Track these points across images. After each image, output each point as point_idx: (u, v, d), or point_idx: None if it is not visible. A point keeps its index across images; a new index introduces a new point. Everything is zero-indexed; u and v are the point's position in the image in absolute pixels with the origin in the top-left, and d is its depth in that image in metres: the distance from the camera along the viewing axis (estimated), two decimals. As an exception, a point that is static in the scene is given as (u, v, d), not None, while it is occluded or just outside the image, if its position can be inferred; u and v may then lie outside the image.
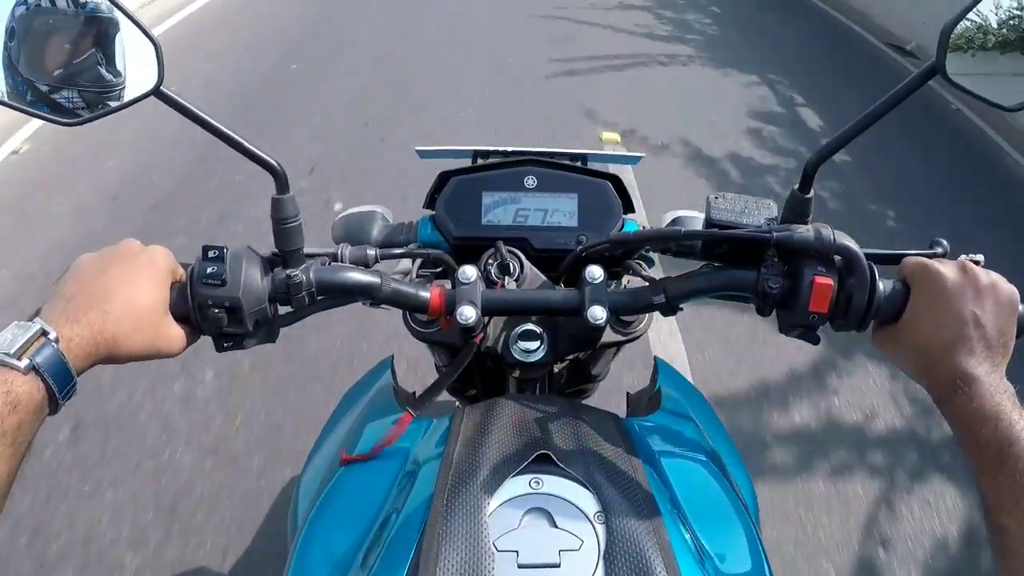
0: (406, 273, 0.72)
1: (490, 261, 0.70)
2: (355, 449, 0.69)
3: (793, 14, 5.91)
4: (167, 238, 1.80)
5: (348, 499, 0.63)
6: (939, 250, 0.61)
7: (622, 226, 0.76)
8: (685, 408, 0.77)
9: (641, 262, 0.75)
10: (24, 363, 0.43)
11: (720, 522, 0.61)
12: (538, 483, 0.56)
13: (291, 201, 0.59)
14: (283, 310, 0.61)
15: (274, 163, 0.57)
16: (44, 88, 0.56)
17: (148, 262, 0.53)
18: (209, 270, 0.54)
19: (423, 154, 0.85)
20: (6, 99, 0.54)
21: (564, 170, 0.77)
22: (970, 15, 0.59)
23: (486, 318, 0.67)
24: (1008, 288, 0.54)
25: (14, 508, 1.58)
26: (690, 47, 5.01)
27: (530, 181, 0.76)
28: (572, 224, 0.75)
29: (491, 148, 0.83)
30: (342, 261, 0.65)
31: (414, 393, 0.84)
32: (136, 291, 0.51)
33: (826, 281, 0.56)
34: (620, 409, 0.83)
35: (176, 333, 0.55)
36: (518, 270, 0.70)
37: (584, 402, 0.91)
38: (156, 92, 0.54)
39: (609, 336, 0.73)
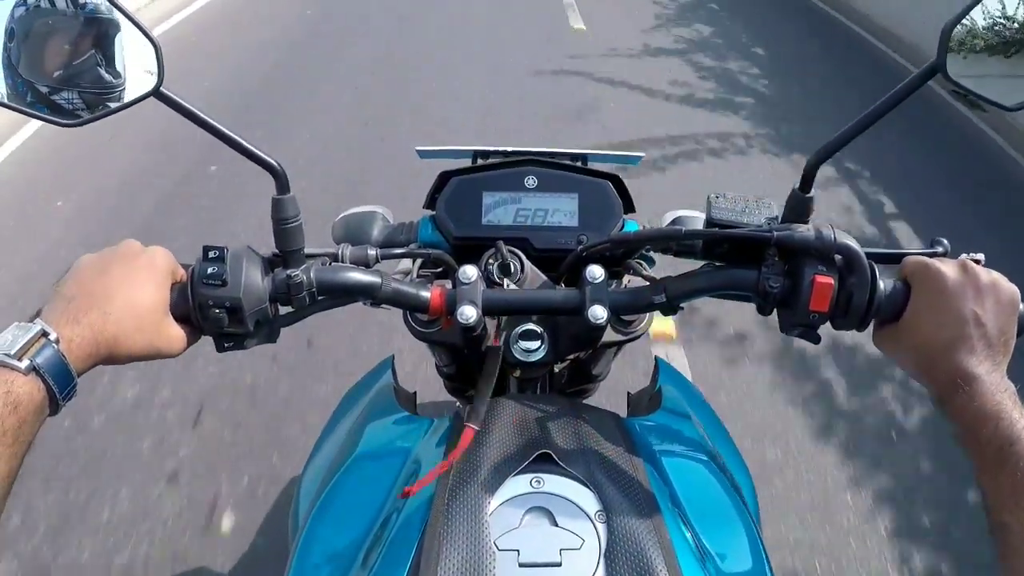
0: (407, 273, 0.72)
1: (491, 261, 0.70)
2: (356, 449, 0.69)
3: (855, 56, 4.78)
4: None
5: (349, 499, 0.63)
6: (939, 249, 0.61)
7: (622, 226, 0.76)
8: (685, 408, 0.77)
9: (642, 262, 0.75)
10: (25, 364, 0.43)
11: (720, 521, 0.61)
12: (539, 482, 0.56)
13: (292, 201, 0.59)
14: (284, 310, 0.61)
15: (274, 163, 0.57)
16: (44, 89, 0.56)
17: (148, 263, 0.53)
18: (210, 270, 0.54)
19: (423, 154, 0.85)
20: (6, 100, 0.54)
21: (564, 170, 0.77)
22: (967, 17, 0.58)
23: (486, 318, 0.67)
24: (1009, 287, 0.54)
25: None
26: (744, 119, 3.76)
27: (530, 181, 0.76)
28: (573, 224, 0.75)
29: (491, 148, 0.83)
30: (342, 261, 0.65)
31: (414, 393, 0.84)
32: (136, 292, 0.51)
33: (827, 280, 0.56)
34: (621, 409, 0.83)
35: (177, 333, 0.55)
36: (519, 270, 0.70)
37: (585, 402, 0.91)
38: (156, 93, 0.54)
39: (610, 336, 0.73)
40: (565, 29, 5.15)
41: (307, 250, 0.61)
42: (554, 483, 0.56)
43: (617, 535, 0.51)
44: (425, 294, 0.64)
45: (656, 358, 0.90)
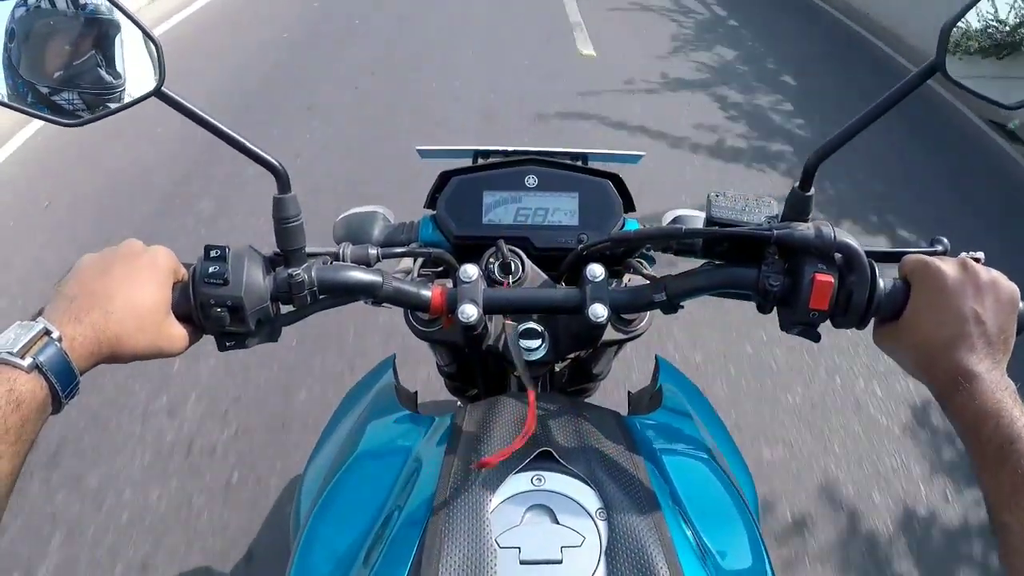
0: (407, 272, 0.72)
1: (491, 260, 0.71)
2: (358, 448, 0.69)
3: (891, 81, 4.18)
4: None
5: (351, 497, 0.63)
6: (939, 248, 0.61)
7: (623, 225, 0.76)
8: (686, 406, 0.78)
9: (642, 260, 0.75)
10: (27, 362, 0.43)
11: (721, 519, 0.61)
12: (540, 480, 0.56)
13: (292, 200, 0.59)
14: (285, 309, 0.61)
15: (275, 163, 0.57)
16: (44, 90, 0.56)
17: (150, 262, 0.54)
18: (211, 269, 0.55)
19: (424, 153, 0.85)
20: (7, 100, 0.55)
21: (565, 169, 0.77)
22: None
23: (487, 317, 0.67)
24: (1008, 285, 0.54)
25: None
26: (784, 174, 3.20)
27: (531, 180, 0.76)
28: (573, 223, 0.75)
29: (492, 148, 0.83)
30: (344, 260, 0.65)
31: (415, 393, 0.84)
32: (138, 291, 0.51)
33: (826, 279, 0.56)
34: (622, 407, 0.83)
35: (178, 332, 0.55)
36: (519, 269, 0.70)
37: (586, 400, 0.92)
38: (157, 92, 0.54)
39: (610, 334, 0.73)
40: (572, 55, 4.52)
41: (308, 249, 0.61)
42: (555, 481, 0.56)
43: (618, 533, 0.52)
44: (426, 293, 0.64)
45: (657, 357, 0.90)
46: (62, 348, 0.45)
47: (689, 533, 0.57)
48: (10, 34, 0.54)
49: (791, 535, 1.64)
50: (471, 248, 0.73)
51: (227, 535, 1.56)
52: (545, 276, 0.71)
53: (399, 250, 0.71)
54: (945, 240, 0.61)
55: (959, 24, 0.55)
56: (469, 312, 0.62)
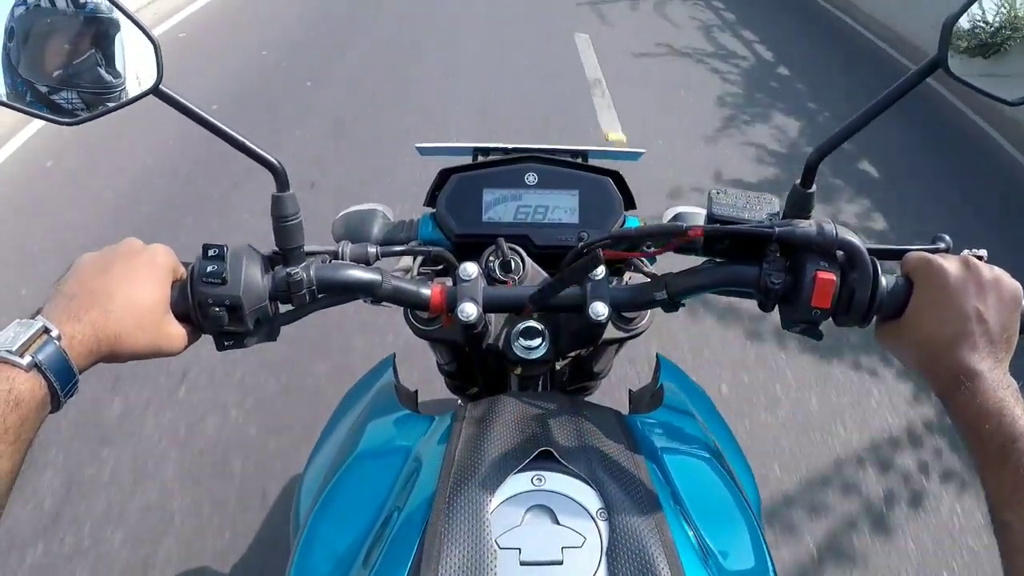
0: (407, 271, 0.72)
1: (491, 258, 0.70)
2: (357, 448, 0.69)
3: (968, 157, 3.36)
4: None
5: (350, 497, 0.63)
6: (941, 245, 0.60)
7: (623, 222, 0.76)
8: (687, 404, 0.77)
9: (643, 258, 0.75)
10: (26, 360, 0.43)
11: (723, 518, 0.61)
12: (540, 480, 0.56)
13: (291, 199, 0.59)
14: (284, 308, 0.61)
15: (274, 161, 0.57)
16: (44, 89, 0.56)
17: (149, 261, 0.53)
18: (209, 268, 0.54)
19: (423, 151, 0.85)
20: (5, 99, 0.54)
21: (565, 166, 0.77)
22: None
23: (487, 315, 0.67)
24: (1011, 283, 0.54)
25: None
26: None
27: (531, 178, 0.76)
28: (573, 220, 0.75)
29: (492, 145, 0.83)
30: (343, 259, 0.65)
31: (416, 392, 0.84)
32: (137, 289, 0.51)
33: (828, 276, 0.56)
34: (622, 406, 0.83)
35: (177, 331, 0.55)
36: (519, 267, 0.70)
37: (586, 399, 0.91)
38: (156, 91, 0.54)
39: (611, 333, 0.73)
40: (597, 139, 3.38)
41: (307, 248, 0.61)
42: (555, 481, 0.56)
43: (619, 533, 0.51)
44: (425, 291, 0.64)
45: (658, 355, 0.90)
46: (61, 347, 0.45)
47: (691, 533, 0.56)
48: (9, 33, 0.54)
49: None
50: (471, 246, 0.73)
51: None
52: (545, 274, 0.71)
53: (398, 248, 0.71)
54: (947, 238, 0.61)
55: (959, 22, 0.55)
56: (469, 311, 0.62)
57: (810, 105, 3.95)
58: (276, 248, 0.60)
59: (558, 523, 0.53)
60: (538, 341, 0.70)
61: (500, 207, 0.75)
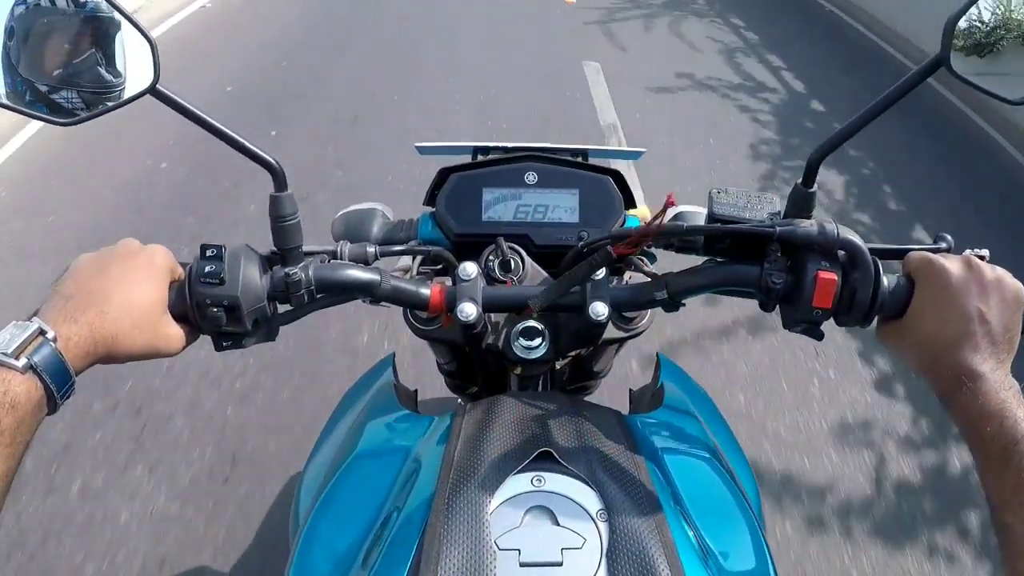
0: (406, 270, 0.72)
1: (491, 258, 0.70)
2: (357, 448, 0.68)
3: None
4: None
5: (350, 497, 0.63)
6: (943, 245, 0.60)
7: (623, 221, 0.76)
8: (687, 404, 0.77)
9: (643, 258, 0.75)
10: (22, 362, 0.43)
11: (723, 519, 0.61)
12: (540, 481, 0.55)
13: (289, 199, 0.59)
14: (282, 308, 0.61)
15: (272, 161, 0.57)
16: (43, 88, 0.55)
17: (147, 261, 0.53)
18: (207, 269, 0.54)
19: (423, 150, 0.85)
20: (4, 100, 0.54)
21: (565, 165, 0.77)
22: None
23: (487, 315, 0.67)
24: (1014, 284, 0.53)
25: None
26: None
27: (531, 177, 0.75)
28: (573, 220, 0.75)
29: (491, 144, 0.82)
30: (341, 259, 0.65)
31: (415, 391, 0.84)
32: (134, 290, 0.51)
33: (830, 276, 0.56)
34: (623, 406, 0.83)
35: (175, 332, 0.54)
36: (519, 267, 0.70)
37: (586, 399, 0.91)
38: (152, 91, 0.54)
39: (611, 332, 0.73)
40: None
41: (305, 248, 0.61)
42: (555, 482, 0.55)
43: (619, 534, 0.51)
44: (425, 291, 0.63)
45: (658, 355, 0.90)
46: (57, 348, 0.45)
47: (691, 534, 0.56)
48: (9, 32, 0.54)
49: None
50: (470, 246, 0.72)
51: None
52: (545, 274, 0.71)
53: (398, 248, 0.71)
54: (949, 237, 0.60)
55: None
56: (468, 311, 0.61)
57: (851, 153, 3.29)
58: (274, 248, 0.60)
59: (558, 524, 0.53)
60: (538, 341, 0.69)
61: (500, 206, 0.75)
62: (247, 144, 0.56)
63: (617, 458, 0.58)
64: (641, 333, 0.75)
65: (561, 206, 0.75)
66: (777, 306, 0.61)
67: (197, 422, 1.85)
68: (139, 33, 0.54)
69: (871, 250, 0.57)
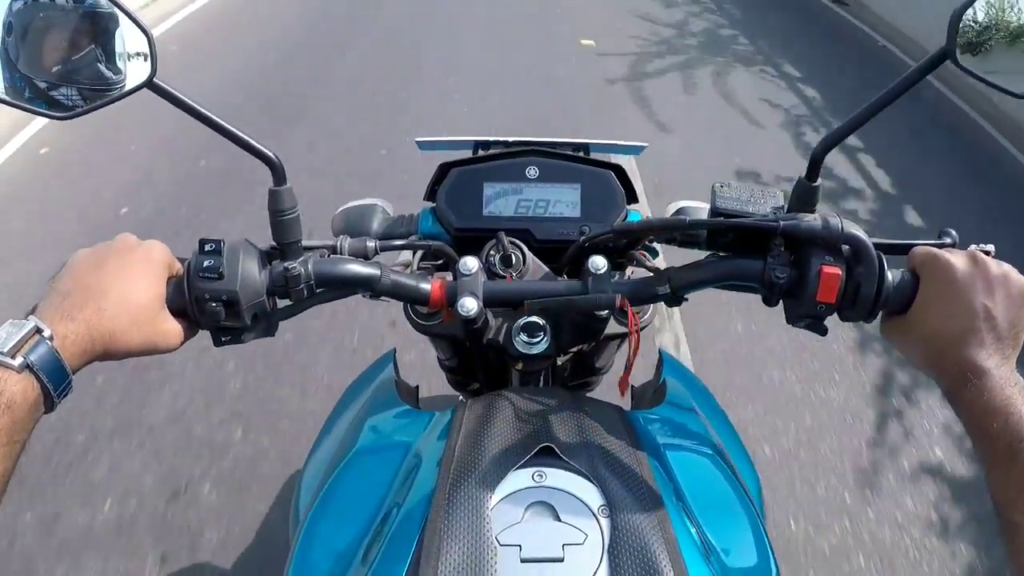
0: (407, 265, 0.71)
1: (492, 252, 0.70)
2: (357, 443, 0.68)
3: None
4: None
5: (350, 493, 0.62)
6: (948, 240, 0.60)
7: (625, 216, 0.75)
8: (689, 400, 0.77)
9: (645, 252, 0.74)
10: (18, 362, 0.43)
11: (725, 515, 0.60)
12: (541, 476, 0.55)
13: (288, 193, 0.58)
14: (282, 303, 0.61)
15: (270, 154, 0.57)
16: (42, 84, 0.55)
17: (144, 256, 0.53)
18: (206, 264, 0.54)
19: (423, 145, 0.85)
20: (4, 96, 0.54)
21: (566, 160, 0.76)
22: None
23: (487, 310, 0.67)
24: (1019, 279, 0.53)
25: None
26: None
27: (532, 171, 0.75)
28: (575, 214, 0.74)
29: (492, 139, 0.82)
30: (341, 253, 0.64)
31: (416, 387, 0.84)
32: (132, 286, 0.51)
33: (834, 271, 0.55)
34: (624, 402, 0.83)
35: (173, 328, 0.54)
36: (520, 261, 0.70)
37: (588, 395, 0.91)
38: (149, 84, 0.53)
39: (613, 328, 0.72)
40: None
41: (305, 242, 0.61)
42: (556, 477, 0.55)
43: (620, 530, 0.51)
44: (425, 286, 0.63)
45: (660, 351, 0.89)
46: (53, 347, 0.45)
47: (693, 530, 0.56)
48: (8, 28, 0.53)
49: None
50: (471, 241, 0.72)
51: None
52: (547, 269, 0.70)
53: (398, 243, 0.71)
54: (954, 232, 0.60)
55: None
56: (469, 305, 0.61)
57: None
58: (273, 243, 0.59)
59: (559, 520, 0.52)
60: (539, 336, 0.69)
61: (501, 201, 0.74)
62: (245, 137, 0.56)
63: (619, 454, 0.58)
64: (643, 328, 0.74)
65: (562, 201, 0.74)
66: (781, 301, 0.61)
67: None
68: (136, 26, 0.54)
69: (875, 245, 0.56)
